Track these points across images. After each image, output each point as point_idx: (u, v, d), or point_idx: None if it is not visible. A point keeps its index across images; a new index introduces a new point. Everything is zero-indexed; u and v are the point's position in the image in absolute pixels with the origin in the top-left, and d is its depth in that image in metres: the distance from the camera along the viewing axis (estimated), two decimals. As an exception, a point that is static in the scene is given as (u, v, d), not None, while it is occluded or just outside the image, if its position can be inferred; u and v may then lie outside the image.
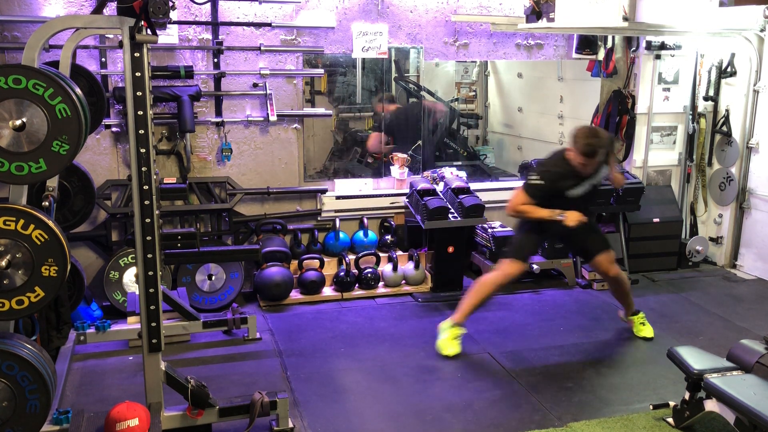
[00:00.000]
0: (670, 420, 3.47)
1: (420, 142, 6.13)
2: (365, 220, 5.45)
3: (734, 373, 3.27)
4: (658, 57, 5.82)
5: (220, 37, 4.90)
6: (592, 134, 3.99)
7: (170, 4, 2.73)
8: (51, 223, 2.57)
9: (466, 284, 5.42)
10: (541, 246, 4.30)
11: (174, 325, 4.23)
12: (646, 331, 4.52)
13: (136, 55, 2.75)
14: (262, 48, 4.98)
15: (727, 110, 5.91)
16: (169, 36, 4.71)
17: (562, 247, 5.43)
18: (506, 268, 4.20)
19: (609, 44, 5.72)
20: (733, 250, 6.02)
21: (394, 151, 5.81)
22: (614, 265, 4.39)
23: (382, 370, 4.06)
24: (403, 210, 5.57)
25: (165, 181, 4.79)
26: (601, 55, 5.73)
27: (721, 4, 5.50)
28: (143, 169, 2.86)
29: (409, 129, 6.26)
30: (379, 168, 5.94)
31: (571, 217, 4.04)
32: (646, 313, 4.63)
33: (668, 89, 5.93)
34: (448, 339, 4.21)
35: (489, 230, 5.41)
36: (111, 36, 4.59)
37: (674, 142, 6.09)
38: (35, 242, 2.54)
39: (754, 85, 5.69)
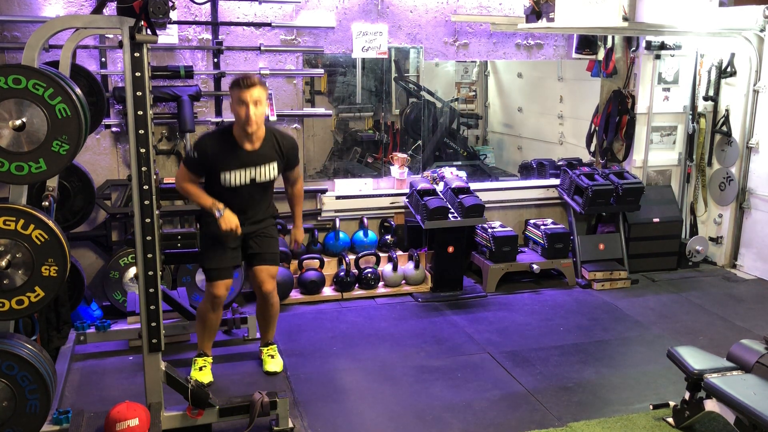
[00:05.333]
0: (670, 420, 3.47)
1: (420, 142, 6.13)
2: (365, 220, 5.45)
3: (734, 373, 3.27)
4: (658, 57, 5.81)
5: (220, 37, 4.90)
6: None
7: (170, 4, 2.73)
8: (51, 223, 2.58)
9: (466, 284, 5.43)
10: (235, 250, 3.74)
11: (174, 325, 4.23)
12: (274, 364, 3.98)
13: (136, 55, 2.75)
14: (262, 48, 4.98)
15: (727, 110, 5.91)
16: (169, 36, 4.71)
17: (561, 248, 5.46)
18: (210, 294, 3.75)
19: (609, 44, 5.72)
20: (733, 250, 6.02)
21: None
22: (273, 281, 3.87)
23: (382, 370, 4.06)
24: (403, 210, 5.56)
25: (165, 181, 4.78)
26: (601, 55, 5.73)
27: (721, 4, 5.51)
28: (143, 169, 2.86)
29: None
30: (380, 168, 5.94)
31: (227, 220, 3.55)
32: (646, 313, 4.62)
33: (668, 89, 5.93)
34: (196, 370, 3.82)
35: (489, 230, 5.41)
36: (111, 36, 4.59)
37: (674, 142, 6.09)
38: (35, 242, 2.54)
39: (754, 85, 5.69)
